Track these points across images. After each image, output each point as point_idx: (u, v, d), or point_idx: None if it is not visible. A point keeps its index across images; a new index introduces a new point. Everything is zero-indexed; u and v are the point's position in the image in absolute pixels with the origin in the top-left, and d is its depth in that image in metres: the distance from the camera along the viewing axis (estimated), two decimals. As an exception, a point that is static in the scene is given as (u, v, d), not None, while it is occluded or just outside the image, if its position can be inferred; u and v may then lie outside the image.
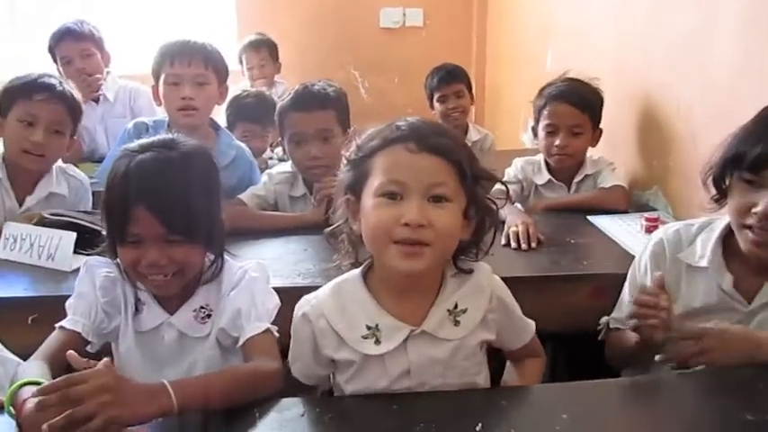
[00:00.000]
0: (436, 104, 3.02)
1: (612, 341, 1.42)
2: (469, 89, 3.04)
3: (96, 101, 2.81)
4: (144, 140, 1.21)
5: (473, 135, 3.06)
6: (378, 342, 1.08)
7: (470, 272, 1.13)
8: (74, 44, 2.71)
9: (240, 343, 1.18)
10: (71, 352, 1.02)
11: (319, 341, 1.11)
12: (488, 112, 4.02)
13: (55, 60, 2.75)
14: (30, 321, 1.53)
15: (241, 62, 3.45)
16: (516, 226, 1.75)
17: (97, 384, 0.91)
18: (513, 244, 1.72)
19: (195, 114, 2.00)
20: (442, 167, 1.03)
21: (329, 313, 1.11)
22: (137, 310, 1.24)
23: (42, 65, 2.64)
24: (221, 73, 2.05)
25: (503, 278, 1.21)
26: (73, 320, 1.21)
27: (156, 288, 1.21)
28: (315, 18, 3.89)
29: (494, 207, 1.11)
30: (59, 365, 1.15)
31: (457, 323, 1.10)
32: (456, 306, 1.11)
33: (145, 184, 1.13)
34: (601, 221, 1.88)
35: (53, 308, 1.29)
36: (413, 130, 1.06)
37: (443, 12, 4.02)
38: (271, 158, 2.79)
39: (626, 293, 1.41)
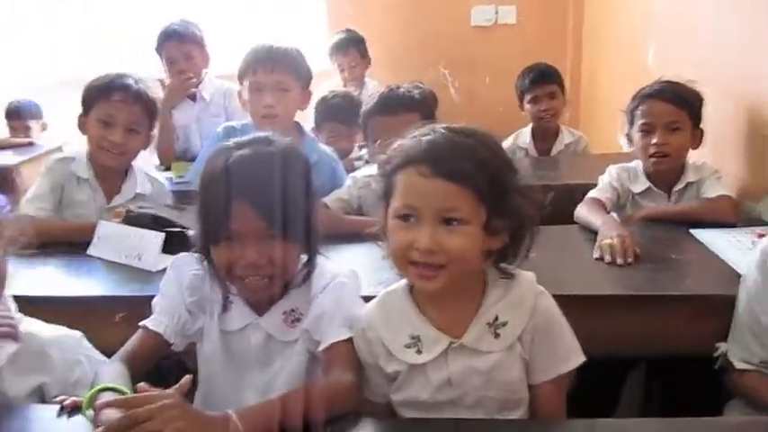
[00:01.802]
0: (527, 105, 2.92)
1: (748, 384, 1.32)
2: (563, 90, 2.92)
3: (193, 99, 2.90)
4: (239, 139, 1.20)
5: (565, 137, 2.95)
6: (419, 352, 1.09)
7: (512, 276, 1.11)
8: (177, 46, 2.83)
9: (321, 347, 1.15)
10: (141, 385, 0.99)
11: (374, 352, 1.13)
12: (584, 113, 3.86)
13: (160, 56, 2.86)
14: (117, 319, 1.57)
15: (332, 61, 3.48)
16: (611, 238, 1.64)
17: (164, 417, 0.89)
18: (607, 258, 1.61)
19: (276, 121, 2.01)
20: (455, 192, 1.02)
21: (376, 324, 1.13)
22: (225, 309, 1.22)
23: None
24: (303, 78, 2.05)
25: (591, 296, 1.14)
26: (156, 321, 1.20)
27: (250, 292, 1.18)
28: (405, 16, 3.86)
29: (526, 213, 1.07)
30: (141, 366, 1.17)
31: (497, 335, 1.08)
32: (496, 318, 1.09)
33: (246, 179, 1.11)
34: (705, 235, 1.73)
35: (141, 306, 1.30)
36: (430, 150, 1.05)
37: (537, 9, 3.90)
38: (358, 159, 2.78)
39: (742, 323, 1.30)
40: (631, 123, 2.01)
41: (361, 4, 3.86)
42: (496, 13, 3.89)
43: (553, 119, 2.91)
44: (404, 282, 1.14)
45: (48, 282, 1.65)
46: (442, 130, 1.08)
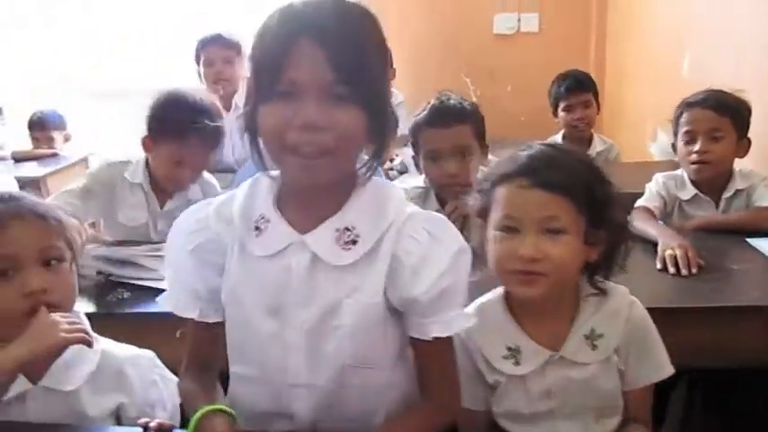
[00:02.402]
0: (561, 113, 2.91)
1: None
2: (596, 98, 2.91)
3: (227, 108, 2.88)
4: None
5: (597, 145, 2.93)
6: (517, 363, 1.09)
7: (605, 293, 1.11)
8: (220, 49, 2.82)
9: (424, 335, 0.95)
10: None
11: (474, 361, 1.11)
12: (606, 121, 3.85)
13: (198, 62, 2.86)
14: (178, 335, 1.55)
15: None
16: (673, 249, 1.62)
17: None
18: (672, 269, 1.59)
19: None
20: (555, 201, 1.03)
21: (474, 333, 1.10)
22: (257, 230, 0.96)
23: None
24: None
25: (659, 308, 1.16)
26: (181, 306, 1.04)
27: (299, 172, 0.90)
28: (427, 24, 3.86)
29: (624, 225, 1.10)
30: (217, 361, 1.08)
31: (594, 347, 1.09)
32: (593, 331, 1.09)
33: (316, 14, 0.87)
34: (764, 244, 1.72)
35: None
36: (527, 164, 1.06)
37: (559, 17, 3.90)
38: (391, 170, 2.77)
39: None
40: (676, 133, 2.00)
41: (382, 13, 3.84)
42: (519, 20, 3.88)
43: (587, 127, 2.90)
44: (499, 292, 1.14)
45: (106, 298, 1.63)
46: (539, 146, 1.09)
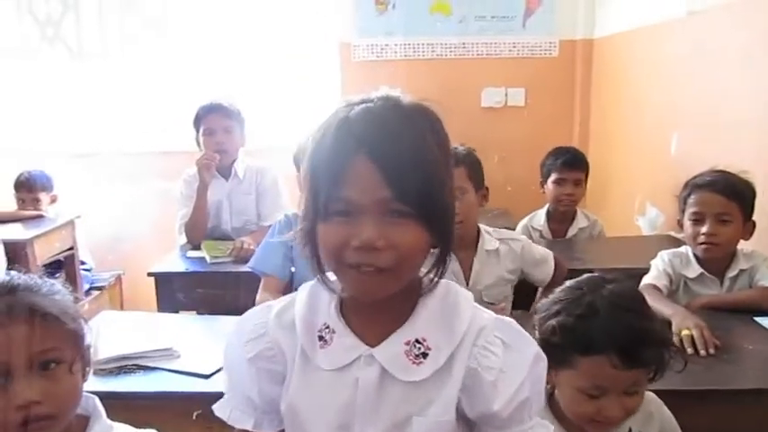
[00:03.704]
0: (551, 185, 2.98)
1: None
2: (586, 179, 3.00)
3: (226, 176, 2.88)
4: (360, 96, 0.92)
5: (581, 221, 3.01)
6: None
7: None
8: (221, 119, 2.84)
9: None
10: None
11: None
12: (591, 194, 3.95)
13: (197, 128, 2.87)
14: (194, 417, 1.51)
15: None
16: (689, 329, 1.65)
17: None
18: (690, 350, 1.61)
19: None
20: (642, 376, 1.19)
21: None
22: (322, 340, 0.93)
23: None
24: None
25: (684, 391, 1.35)
26: (237, 415, 0.99)
27: (359, 288, 0.88)
28: (418, 95, 3.94)
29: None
30: None
31: None
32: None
33: (370, 130, 0.85)
34: (772, 324, 1.77)
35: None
36: (618, 337, 1.16)
37: (545, 91, 4.02)
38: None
39: None
40: (683, 211, 2.06)
41: (373, 81, 3.93)
42: (506, 94, 4.00)
43: (573, 204, 2.98)
44: None
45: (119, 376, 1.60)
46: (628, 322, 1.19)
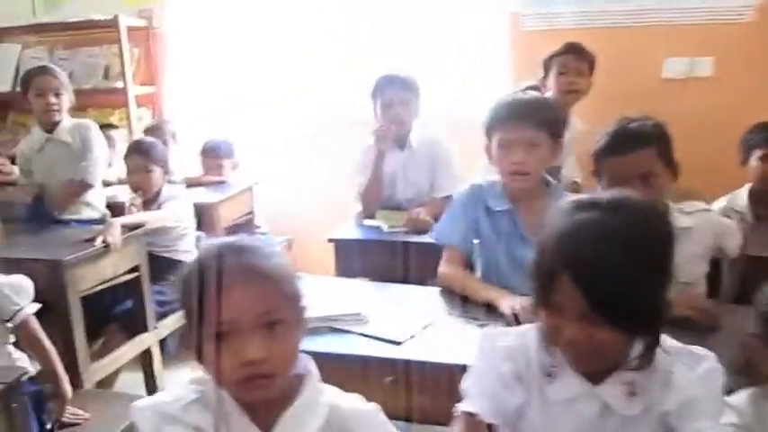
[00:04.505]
0: (754, 163, 2.75)
1: None
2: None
3: (401, 147, 2.91)
4: (594, 195, 1.11)
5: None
6: None
7: None
8: (397, 91, 2.85)
9: None
10: None
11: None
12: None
13: (374, 99, 2.90)
14: (387, 382, 1.54)
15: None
16: None
17: None
18: None
19: (527, 179, 1.95)
20: None
21: None
22: (549, 377, 1.14)
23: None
24: (554, 132, 1.96)
25: None
26: (476, 404, 1.14)
27: (577, 364, 1.11)
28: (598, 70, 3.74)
29: None
30: None
31: None
32: None
33: (574, 252, 1.02)
34: None
35: (411, 372, 1.35)
36: None
37: (737, 61, 3.67)
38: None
39: None
40: None
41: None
42: (691, 64, 3.70)
43: (781, 183, 2.70)
44: None
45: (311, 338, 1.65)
46: None
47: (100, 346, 2.74)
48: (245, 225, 3.65)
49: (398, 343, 1.60)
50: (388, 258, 2.47)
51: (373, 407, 1.16)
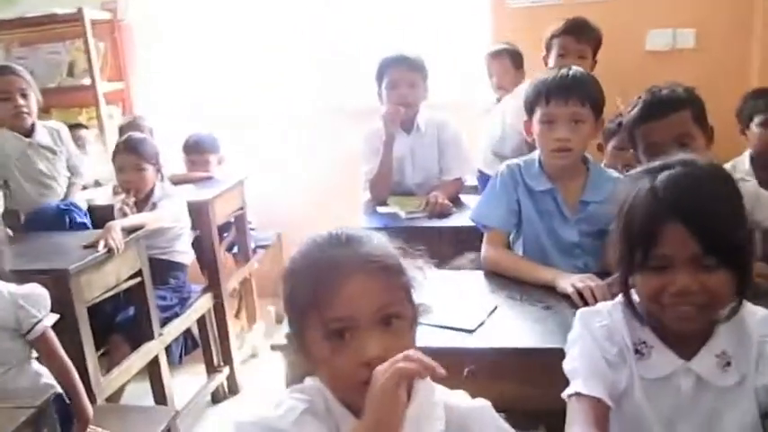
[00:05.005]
0: (755, 129, 2.77)
1: None
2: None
3: (408, 130, 2.82)
4: (659, 162, 1.15)
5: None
6: None
7: None
8: (405, 72, 2.75)
9: None
10: None
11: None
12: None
13: (379, 82, 2.79)
14: (466, 374, 1.46)
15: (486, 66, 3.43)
16: None
17: None
18: None
19: (569, 156, 1.90)
20: None
21: None
22: (639, 354, 1.15)
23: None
24: (598, 109, 1.91)
25: None
26: (589, 385, 1.11)
27: (678, 321, 1.11)
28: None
29: None
30: None
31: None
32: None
33: (680, 199, 1.07)
34: None
35: (490, 360, 1.32)
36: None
37: (718, 31, 3.72)
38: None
39: None
40: None
41: (530, 24, 3.76)
42: (674, 36, 3.73)
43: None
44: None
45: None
46: None
47: (106, 358, 2.58)
48: (237, 220, 3.51)
49: (471, 331, 1.53)
50: (413, 245, 2.39)
51: (485, 402, 1.09)
